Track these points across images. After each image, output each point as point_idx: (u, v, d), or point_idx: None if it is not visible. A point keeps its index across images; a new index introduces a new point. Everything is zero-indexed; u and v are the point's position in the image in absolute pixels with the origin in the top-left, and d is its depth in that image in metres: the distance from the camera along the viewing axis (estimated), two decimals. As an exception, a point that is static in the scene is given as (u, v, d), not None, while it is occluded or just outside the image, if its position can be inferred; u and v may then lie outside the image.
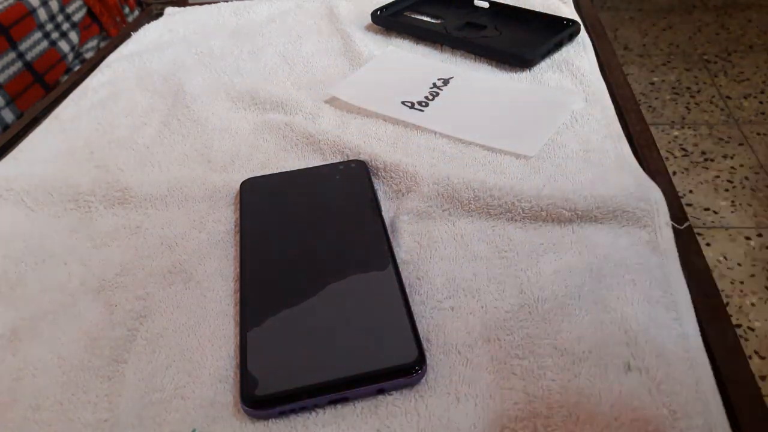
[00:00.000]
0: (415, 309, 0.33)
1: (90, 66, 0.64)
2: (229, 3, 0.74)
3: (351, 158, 0.45)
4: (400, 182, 0.42)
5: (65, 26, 1.13)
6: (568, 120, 0.47)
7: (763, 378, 1.02)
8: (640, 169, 0.41)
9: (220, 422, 0.29)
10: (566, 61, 0.55)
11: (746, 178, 1.47)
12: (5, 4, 0.99)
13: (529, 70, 0.55)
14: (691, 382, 0.28)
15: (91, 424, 0.29)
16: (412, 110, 0.49)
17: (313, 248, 0.36)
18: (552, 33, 0.57)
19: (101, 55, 0.65)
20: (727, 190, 1.44)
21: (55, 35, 1.10)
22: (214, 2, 0.75)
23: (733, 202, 1.40)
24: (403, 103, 0.50)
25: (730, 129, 1.64)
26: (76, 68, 0.96)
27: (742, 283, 1.20)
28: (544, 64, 0.55)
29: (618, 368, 0.29)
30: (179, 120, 0.52)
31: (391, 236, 0.38)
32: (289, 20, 0.68)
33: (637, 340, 0.30)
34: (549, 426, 0.27)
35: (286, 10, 0.70)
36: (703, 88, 1.79)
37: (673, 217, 0.37)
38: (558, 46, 0.57)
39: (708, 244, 1.29)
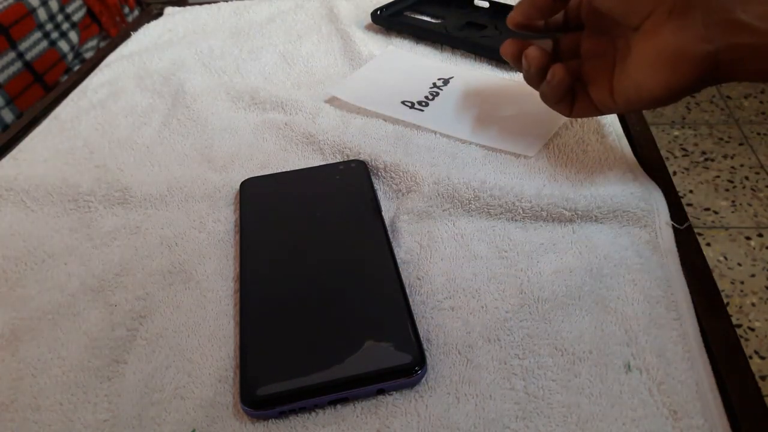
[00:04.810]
0: (415, 309, 0.33)
1: (90, 66, 0.64)
2: (229, 3, 0.74)
3: (351, 158, 0.45)
4: (400, 182, 0.42)
5: (65, 26, 1.13)
6: (568, 120, 0.47)
7: (763, 378, 1.02)
8: (640, 169, 0.41)
9: (220, 422, 0.29)
10: (566, 61, 0.55)
11: (746, 178, 1.47)
12: (5, 4, 0.99)
13: (529, 70, 0.55)
14: (691, 382, 0.28)
15: (91, 424, 0.29)
16: (412, 110, 0.49)
17: (313, 248, 0.36)
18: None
19: (101, 55, 0.65)
20: (727, 190, 1.44)
21: (54, 35, 1.10)
22: (214, 2, 0.75)
23: (733, 202, 1.40)
24: (403, 103, 0.50)
25: (731, 129, 1.64)
26: (76, 68, 0.96)
27: (742, 283, 1.20)
28: (544, 64, 0.55)
29: (618, 368, 0.29)
30: (179, 120, 0.52)
31: (391, 236, 0.38)
32: (289, 20, 0.68)
33: (637, 340, 0.30)
34: (549, 426, 0.27)
35: (286, 10, 0.70)
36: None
37: (673, 217, 0.37)
38: (558, 46, 0.57)
39: (708, 244, 1.29)
